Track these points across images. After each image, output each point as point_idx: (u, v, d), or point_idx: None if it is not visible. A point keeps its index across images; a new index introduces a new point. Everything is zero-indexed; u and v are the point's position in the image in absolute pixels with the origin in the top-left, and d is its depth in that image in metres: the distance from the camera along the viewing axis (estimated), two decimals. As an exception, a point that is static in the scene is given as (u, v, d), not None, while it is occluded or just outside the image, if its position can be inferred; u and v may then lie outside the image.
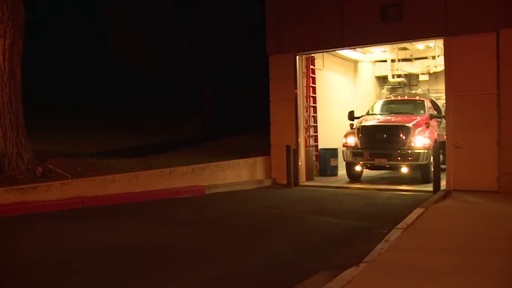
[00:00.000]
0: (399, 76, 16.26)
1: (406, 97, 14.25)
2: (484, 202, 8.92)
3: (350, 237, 6.77)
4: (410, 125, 11.94)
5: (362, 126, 12.48)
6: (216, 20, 19.79)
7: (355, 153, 12.41)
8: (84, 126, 17.48)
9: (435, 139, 12.10)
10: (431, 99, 14.20)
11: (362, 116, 13.14)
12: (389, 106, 13.71)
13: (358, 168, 12.79)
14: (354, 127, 12.82)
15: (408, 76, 16.47)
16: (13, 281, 4.79)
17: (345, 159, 12.76)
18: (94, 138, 15.19)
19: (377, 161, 12.16)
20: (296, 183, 12.17)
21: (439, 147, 11.00)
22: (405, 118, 12.41)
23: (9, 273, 5.01)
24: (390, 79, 16.50)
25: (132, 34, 19.36)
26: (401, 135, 11.90)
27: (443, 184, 10.51)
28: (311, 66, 13.57)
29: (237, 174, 12.00)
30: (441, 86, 12.70)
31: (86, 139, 14.78)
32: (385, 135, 12.17)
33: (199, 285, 4.73)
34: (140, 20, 19.41)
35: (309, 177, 12.85)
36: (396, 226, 6.70)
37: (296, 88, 12.47)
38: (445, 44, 10.64)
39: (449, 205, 8.72)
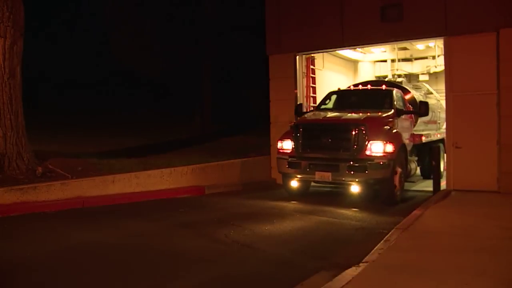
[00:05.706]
0: (399, 76, 16.22)
1: (369, 86, 11.22)
2: (484, 202, 8.91)
3: (350, 237, 6.78)
4: (365, 124, 8.99)
5: (299, 125, 9.62)
6: (216, 20, 19.81)
7: (291, 164, 9.51)
8: (84, 126, 17.47)
9: (403, 144, 9.47)
10: (405, 88, 11.50)
11: (310, 111, 10.51)
12: (347, 99, 10.91)
13: (294, 183, 9.78)
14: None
15: (408, 76, 16.44)
16: (13, 281, 4.80)
17: (279, 170, 9.94)
18: (94, 138, 15.17)
19: (318, 176, 9.13)
20: (296, 183, 12.02)
21: (440, 146, 10.92)
22: (361, 114, 9.49)
23: (9, 273, 5.01)
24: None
25: (132, 34, 19.39)
26: (352, 139, 8.94)
27: (443, 184, 10.51)
28: (311, 66, 13.55)
29: (237, 174, 12.00)
30: (441, 86, 12.60)
31: (86, 139, 14.76)
32: (329, 139, 9.16)
33: (199, 285, 4.74)
34: (140, 20, 19.44)
35: (309, 177, 12.73)
36: (396, 226, 6.71)
37: (296, 88, 12.48)
38: (445, 44, 10.64)
39: (449, 205, 8.72)
